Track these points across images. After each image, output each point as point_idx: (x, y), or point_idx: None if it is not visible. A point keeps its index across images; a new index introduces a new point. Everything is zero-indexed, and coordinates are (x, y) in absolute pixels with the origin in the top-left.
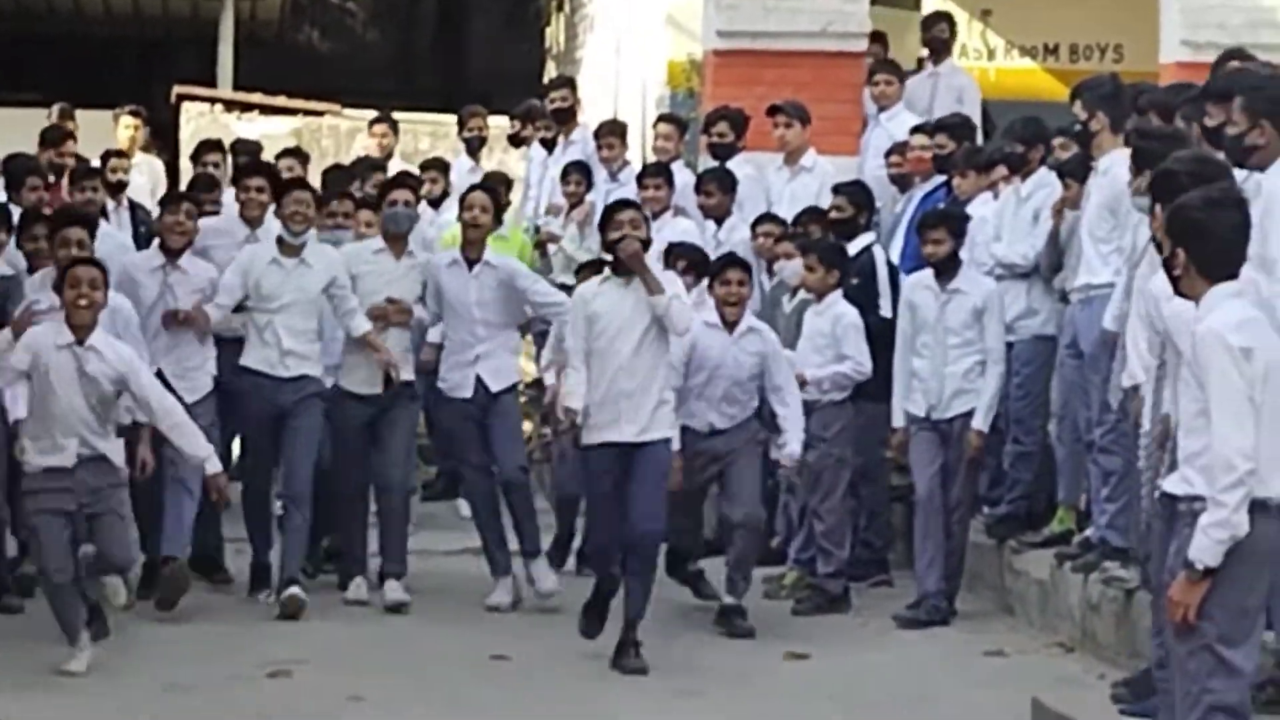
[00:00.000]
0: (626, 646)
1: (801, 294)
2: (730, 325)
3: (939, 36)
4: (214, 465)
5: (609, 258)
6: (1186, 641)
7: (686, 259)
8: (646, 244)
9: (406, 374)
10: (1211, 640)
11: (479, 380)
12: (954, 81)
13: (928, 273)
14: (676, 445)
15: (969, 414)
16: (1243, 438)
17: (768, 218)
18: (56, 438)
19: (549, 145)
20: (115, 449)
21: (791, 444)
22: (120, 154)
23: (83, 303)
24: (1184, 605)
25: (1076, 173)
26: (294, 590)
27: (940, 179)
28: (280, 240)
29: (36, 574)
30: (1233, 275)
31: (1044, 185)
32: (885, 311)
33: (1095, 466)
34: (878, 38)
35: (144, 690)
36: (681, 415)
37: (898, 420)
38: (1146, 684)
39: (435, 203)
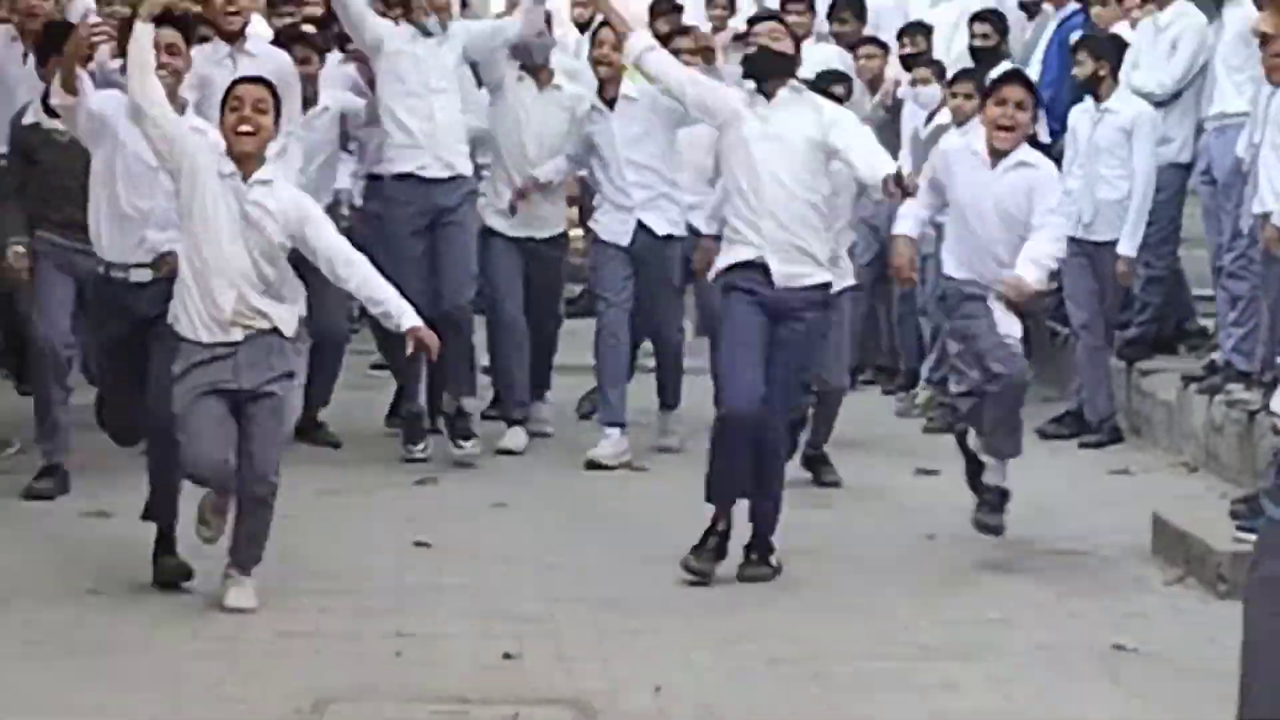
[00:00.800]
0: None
1: (938, 119)
2: (998, 156)
3: None
4: (412, 319)
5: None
6: None
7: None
8: (790, 58)
9: (556, 225)
10: None
11: (640, 225)
12: None
13: (1089, 99)
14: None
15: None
16: None
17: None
18: (213, 288)
19: None
20: (288, 318)
21: (1026, 266)
22: None
23: (246, 128)
24: None
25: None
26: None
27: (1075, 6)
28: (410, 20)
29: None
30: None
31: (1182, 14)
32: (1044, 137)
33: (1224, 291)
34: None
35: (298, 493)
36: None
37: None
38: None
39: None
